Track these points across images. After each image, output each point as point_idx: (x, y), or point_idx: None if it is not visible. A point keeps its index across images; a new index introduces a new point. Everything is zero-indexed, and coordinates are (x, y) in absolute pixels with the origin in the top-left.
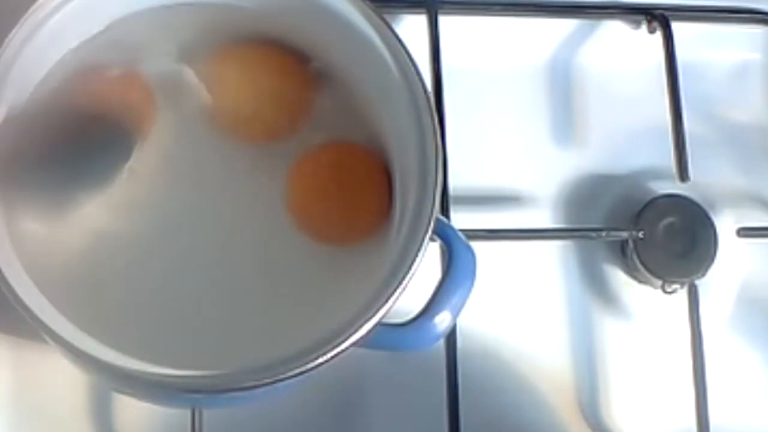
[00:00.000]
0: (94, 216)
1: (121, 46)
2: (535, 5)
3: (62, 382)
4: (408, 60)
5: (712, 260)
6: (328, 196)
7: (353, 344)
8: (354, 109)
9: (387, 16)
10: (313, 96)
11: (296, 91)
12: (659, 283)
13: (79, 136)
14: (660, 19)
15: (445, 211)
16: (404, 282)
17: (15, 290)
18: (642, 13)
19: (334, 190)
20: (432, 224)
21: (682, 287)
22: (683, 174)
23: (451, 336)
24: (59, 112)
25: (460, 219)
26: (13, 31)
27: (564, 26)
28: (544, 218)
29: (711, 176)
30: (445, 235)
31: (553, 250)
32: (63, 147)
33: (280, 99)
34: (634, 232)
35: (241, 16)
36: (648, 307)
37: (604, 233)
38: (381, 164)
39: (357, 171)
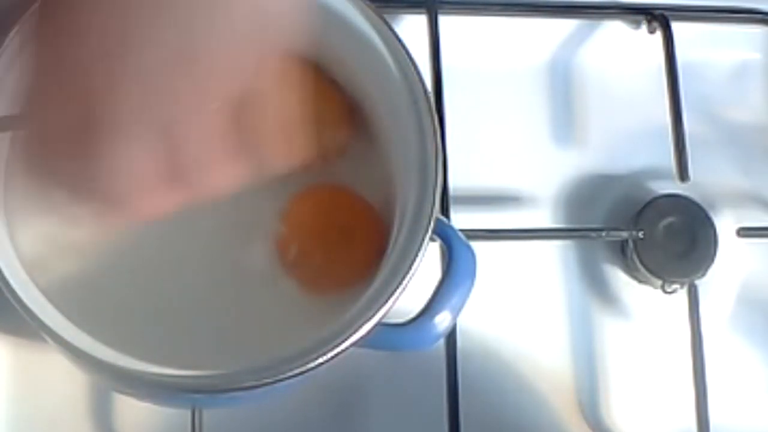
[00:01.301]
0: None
1: None
2: (535, 5)
3: (62, 382)
4: (408, 60)
5: (712, 260)
6: (318, 255)
7: (353, 344)
8: (353, 109)
9: (387, 16)
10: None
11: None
12: (659, 283)
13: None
14: (660, 19)
15: (445, 211)
16: (404, 282)
17: (15, 290)
18: (642, 13)
19: (324, 245)
20: (432, 224)
21: (682, 287)
22: (683, 174)
23: (451, 336)
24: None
25: (460, 219)
26: (13, 31)
27: (564, 26)
28: (544, 218)
29: (711, 176)
30: (445, 235)
31: (553, 250)
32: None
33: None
34: (634, 232)
35: None
36: (648, 307)
37: (604, 233)
38: (373, 209)
39: (349, 220)
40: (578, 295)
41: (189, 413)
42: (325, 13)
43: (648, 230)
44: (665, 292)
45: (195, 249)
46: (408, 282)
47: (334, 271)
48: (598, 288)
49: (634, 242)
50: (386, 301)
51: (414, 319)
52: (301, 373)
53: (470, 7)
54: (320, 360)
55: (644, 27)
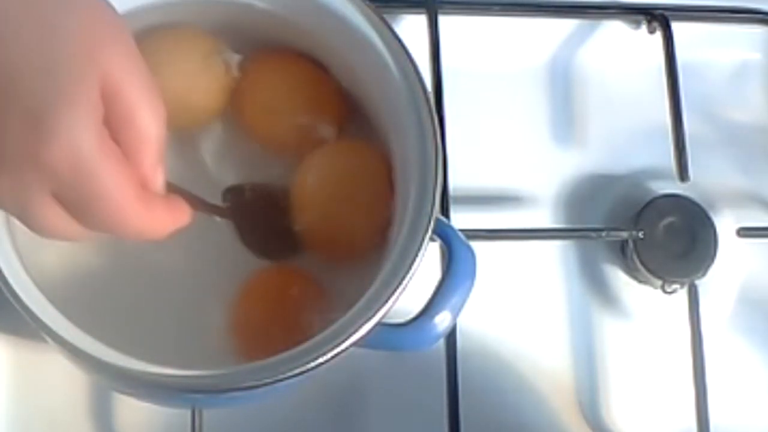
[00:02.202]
0: None
1: None
2: (535, 5)
3: (62, 382)
4: (408, 60)
5: (712, 260)
6: (270, 334)
7: (353, 344)
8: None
9: (387, 16)
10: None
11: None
12: (659, 283)
13: None
14: (660, 19)
15: (445, 211)
16: (404, 282)
17: (15, 290)
18: (642, 13)
19: (271, 324)
20: (432, 224)
21: (682, 287)
22: (683, 174)
23: (451, 336)
24: None
25: (460, 219)
26: None
27: (564, 26)
28: (544, 218)
29: (711, 176)
30: (445, 235)
31: (553, 250)
32: None
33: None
34: (634, 232)
35: (238, 13)
36: (648, 307)
37: (604, 233)
38: (318, 288)
39: (295, 301)
40: (578, 295)
41: (189, 413)
42: (325, 14)
43: (648, 230)
44: (665, 292)
45: (191, 253)
46: (408, 282)
47: (276, 346)
48: (598, 288)
49: (634, 242)
50: (386, 301)
51: (414, 319)
52: (301, 373)
53: (470, 7)
54: (320, 360)
55: (644, 27)
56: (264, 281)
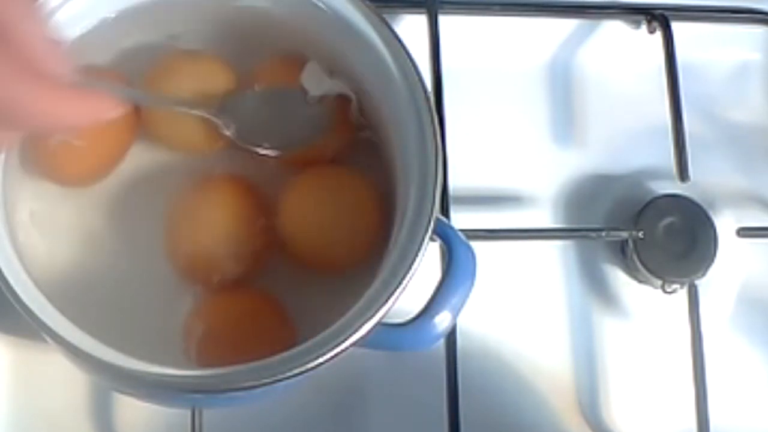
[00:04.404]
0: (94, 218)
1: (111, 45)
2: (535, 5)
3: (62, 382)
4: (408, 60)
5: (712, 260)
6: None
7: (353, 344)
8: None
9: (387, 16)
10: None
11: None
12: (659, 283)
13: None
14: (660, 19)
15: (445, 211)
16: (404, 282)
17: (15, 290)
18: (642, 13)
19: (230, 344)
20: (432, 224)
21: (682, 287)
22: (683, 174)
23: (451, 336)
24: None
25: (460, 219)
26: None
27: (564, 26)
28: (544, 218)
29: (711, 176)
30: (445, 235)
31: (553, 250)
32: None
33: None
34: (634, 232)
35: (238, 13)
36: (648, 307)
37: (604, 233)
38: (284, 311)
39: (259, 324)
40: (578, 295)
41: (189, 413)
42: (326, 14)
43: (648, 230)
44: (665, 292)
45: None
46: (408, 282)
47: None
48: (598, 288)
49: (634, 242)
50: (386, 301)
51: (414, 319)
52: (301, 373)
53: (470, 7)
54: (320, 360)
55: (644, 27)
56: (224, 300)
